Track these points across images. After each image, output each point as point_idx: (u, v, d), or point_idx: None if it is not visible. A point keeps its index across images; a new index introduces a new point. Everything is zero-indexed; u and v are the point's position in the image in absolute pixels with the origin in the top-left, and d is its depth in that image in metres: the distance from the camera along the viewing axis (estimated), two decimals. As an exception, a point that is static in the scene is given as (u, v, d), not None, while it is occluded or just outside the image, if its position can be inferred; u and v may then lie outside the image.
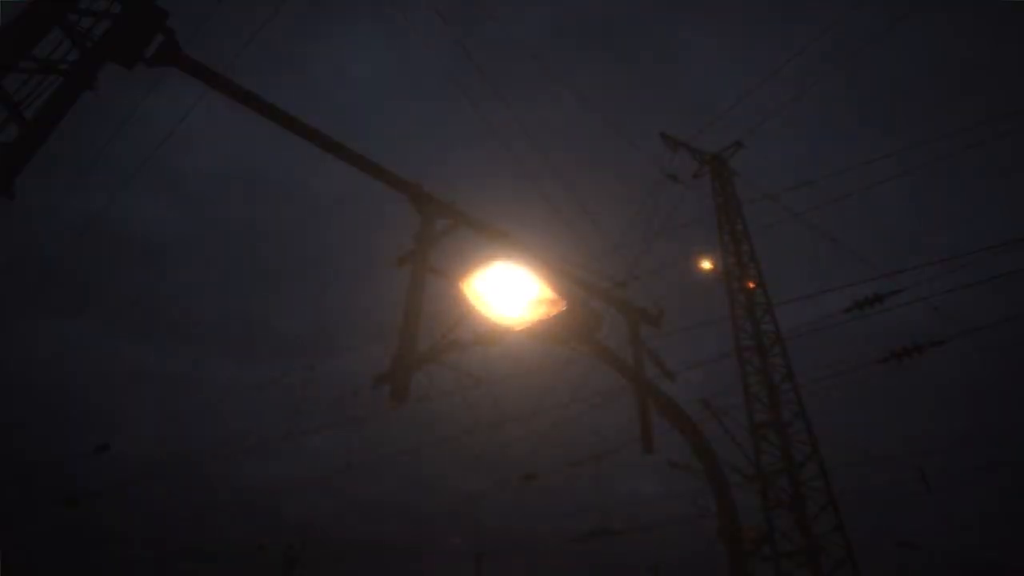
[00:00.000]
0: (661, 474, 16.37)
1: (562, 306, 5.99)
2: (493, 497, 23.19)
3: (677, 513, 16.14)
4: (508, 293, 6.01)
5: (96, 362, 66.59)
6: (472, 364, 6.60)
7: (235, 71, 6.65)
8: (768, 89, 17.20)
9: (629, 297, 8.51)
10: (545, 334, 6.24)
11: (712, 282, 18.93)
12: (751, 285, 18.44)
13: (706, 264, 19.07)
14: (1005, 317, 12.61)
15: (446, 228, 7.02)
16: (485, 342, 6.35)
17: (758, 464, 16.00)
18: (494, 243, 7.27)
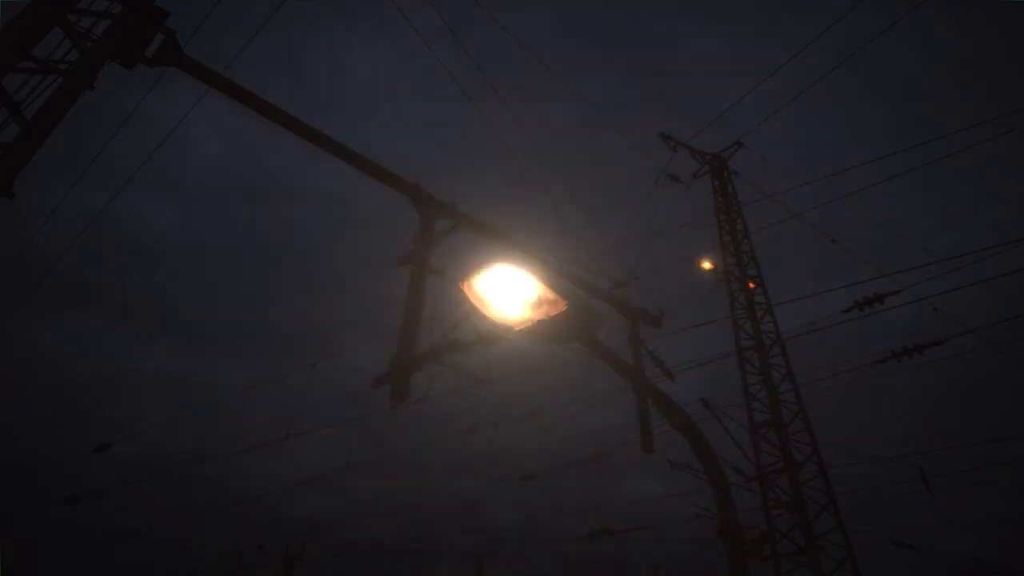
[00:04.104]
0: (661, 474, 16.38)
1: (562, 306, 5.98)
2: (493, 497, 23.19)
3: (677, 513, 16.13)
4: (508, 293, 6.00)
5: (96, 362, 66.62)
6: (472, 364, 6.60)
7: (235, 71, 6.65)
8: (768, 89, 17.20)
9: (629, 297, 8.50)
10: (545, 334, 6.23)
11: (712, 282, 18.95)
12: (751, 285, 18.44)
13: (706, 264, 19.09)
14: (1005, 317, 12.61)
15: (446, 228, 7.02)
16: (485, 342, 6.34)
17: (758, 464, 16.00)
18: (494, 243, 7.27)
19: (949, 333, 13.67)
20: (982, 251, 11.17)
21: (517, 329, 6.14)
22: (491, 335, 6.29)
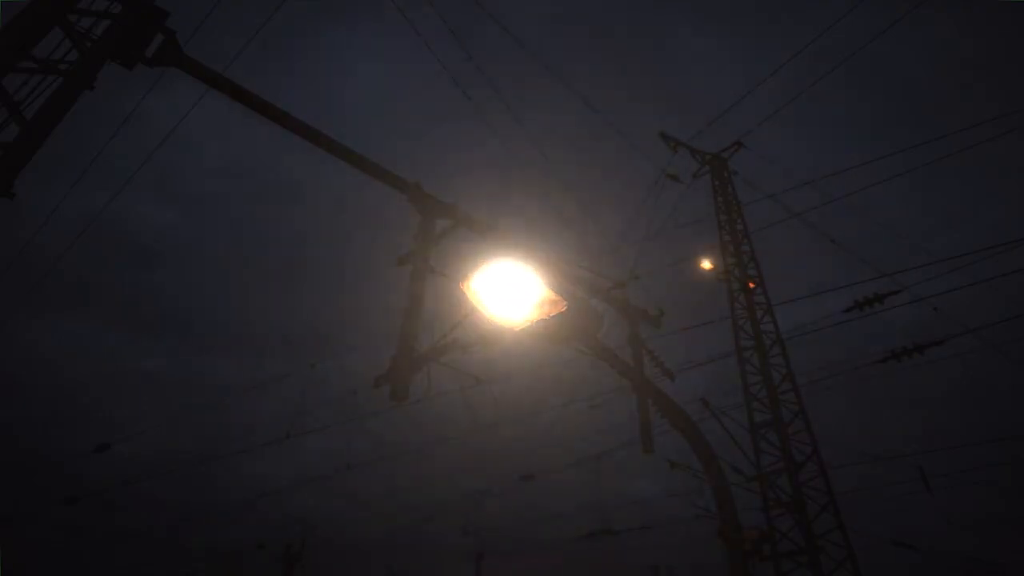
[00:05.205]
0: (661, 474, 16.38)
1: (562, 306, 5.98)
2: (493, 497, 23.21)
3: (677, 513, 16.14)
4: (508, 293, 6.01)
5: (96, 362, 66.67)
6: (472, 364, 6.60)
7: (235, 71, 6.65)
8: (768, 89, 17.19)
9: (629, 297, 8.50)
10: (545, 334, 6.24)
11: (712, 282, 18.94)
12: (751, 285, 18.44)
13: (706, 264, 19.07)
14: (1005, 317, 12.62)
15: (446, 228, 7.02)
16: (485, 342, 6.34)
17: (758, 464, 16.00)
18: (494, 243, 7.27)
19: (949, 333, 13.69)
20: (982, 251, 11.17)
21: (517, 329, 6.15)
22: (491, 335, 6.29)
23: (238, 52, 8.46)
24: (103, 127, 7.88)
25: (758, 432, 16.41)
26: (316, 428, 14.92)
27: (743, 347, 17.62)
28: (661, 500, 18.48)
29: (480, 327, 6.30)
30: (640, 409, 7.42)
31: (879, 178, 15.02)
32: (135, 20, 5.75)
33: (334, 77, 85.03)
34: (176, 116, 8.72)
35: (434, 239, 6.83)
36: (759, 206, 19.54)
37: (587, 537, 20.14)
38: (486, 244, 7.23)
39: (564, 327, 6.12)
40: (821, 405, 16.92)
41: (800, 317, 16.63)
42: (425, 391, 6.18)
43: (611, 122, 18.80)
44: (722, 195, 20.33)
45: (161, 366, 67.84)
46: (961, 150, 13.48)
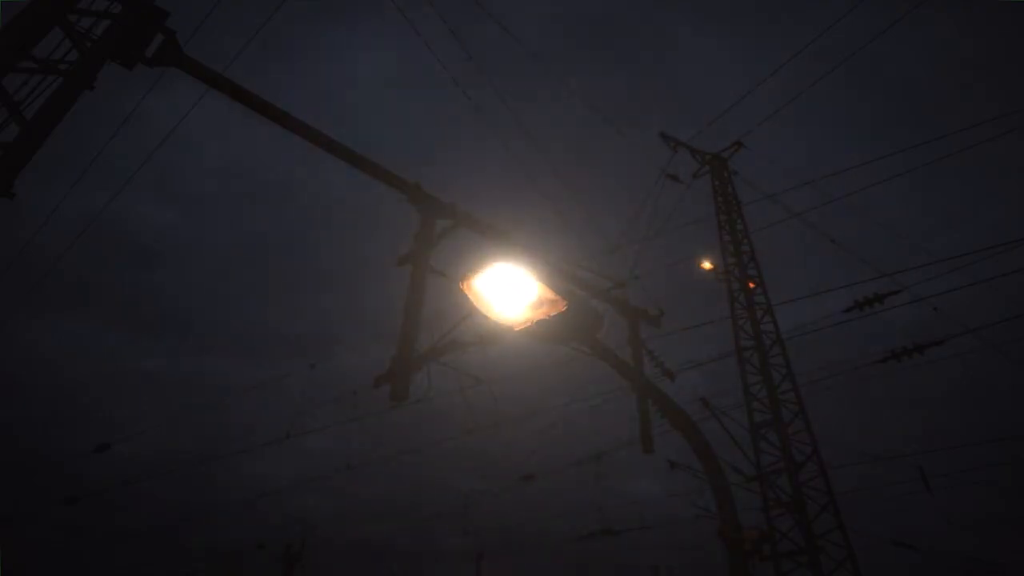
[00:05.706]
0: (661, 474, 16.38)
1: (562, 306, 5.98)
2: (493, 497, 23.21)
3: (677, 513, 16.14)
4: (508, 293, 6.01)
5: (96, 362, 66.72)
6: (472, 364, 6.60)
7: (235, 71, 6.65)
8: (768, 89, 17.19)
9: (629, 297, 8.49)
10: (545, 334, 6.24)
11: (712, 282, 18.94)
12: (751, 285, 18.43)
13: (706, 264, 19.07)
14: (1005, 317, 12.62)
15: (446, 228, 7.01)
16: (485, 342, 6.35)
17: (758, 464, 16.00)
18: (494, 243, 7.26)
19: (949, 333, 13.70)
20: (982, 251, 11.18)
21: (517, 329, 6.15)
22: (491, 335, 6.29)
23: (238, 52, 8.47)
24: (103, 127, 7.88)
25: (758, 432, 16.41)
26: (316, 428, 14.94)
27: (743, 347, 17.62)
28: (661, 500, 18.50)
29: (480, 327, 6.31)
30: (640, 409, 7.42)
31: (879, 178, 15.03)
32: (135, 20, 5.74)
33: (334, 77, 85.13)
34: (176, 116, 8.73)
35: (434, 239, 6.81)
36: (759, 206, 19.56)
37: (587, 537, 20.14)
38: (486, 244, 7.21)
39: (564, 327, 6.12)
40: (821, 405, 16.94)
41: (800, 317, 16.66)
42: (425, 391, 6.17)
43: (611, 122, 18.80)
44: (722, 195, 20.34)
45: (161, 366, 67.97)
46: (961, 150, 13.50)
